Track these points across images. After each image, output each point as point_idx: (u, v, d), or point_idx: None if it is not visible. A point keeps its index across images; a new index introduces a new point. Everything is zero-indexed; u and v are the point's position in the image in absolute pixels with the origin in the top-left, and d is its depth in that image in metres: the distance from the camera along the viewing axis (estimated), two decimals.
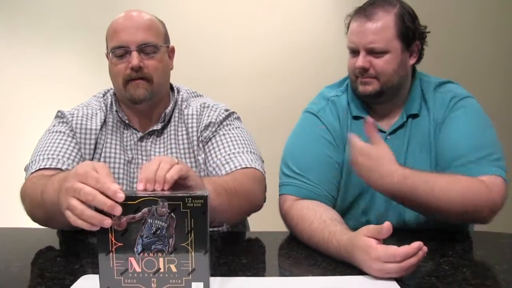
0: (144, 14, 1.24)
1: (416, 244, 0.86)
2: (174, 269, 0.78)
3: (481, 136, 1.17)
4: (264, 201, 1.24)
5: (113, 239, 0.78)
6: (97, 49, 2.79)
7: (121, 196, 0.74)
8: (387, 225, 0.88)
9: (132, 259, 0.78)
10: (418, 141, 1.23)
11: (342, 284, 0.89)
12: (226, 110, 1.31)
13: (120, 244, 0.78)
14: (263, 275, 0.96)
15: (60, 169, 1.15)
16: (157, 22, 1.26)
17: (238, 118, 1.34)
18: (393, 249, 0.87)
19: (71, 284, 0.86)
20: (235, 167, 1.18)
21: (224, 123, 1.28)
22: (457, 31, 2.88)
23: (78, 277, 0.89)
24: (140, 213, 0.77)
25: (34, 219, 1.11)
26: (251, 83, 2.91)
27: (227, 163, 1.19)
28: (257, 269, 0.99)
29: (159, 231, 0.77)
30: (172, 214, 0.77)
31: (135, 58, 1.18)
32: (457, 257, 1.01)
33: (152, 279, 0.79)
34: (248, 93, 2.88)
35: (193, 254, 0.78)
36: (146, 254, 0.78)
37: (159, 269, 0.78)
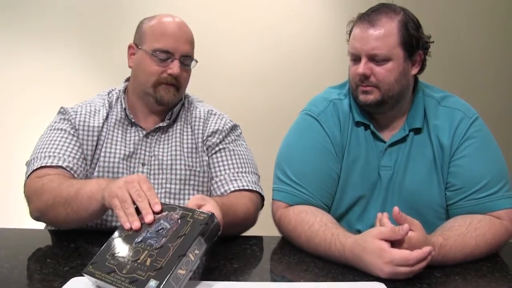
0: (187, 25, 1.30)
1: (428, 248, 0.90)
2: (148, 263, 0.80)
3: (498, 165, 1.17)
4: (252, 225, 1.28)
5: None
6: (95, 51, 2.83)
7: (158, 208, 0.90)
8: (406, 228, 0.91)
9: (128, 246, 0.86)
10: (420, 158, 1.20)
11: None
12: (231, 121, 1.39)
13: (130, 233, 0.88)
14: (254, 280, 0.96)
15: (62, 167, 1.17)
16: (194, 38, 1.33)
17: (241, 133, 1.41)
18: (406, 253, 0.89)
19: (60, 287, 0.86)
20: (243, 186, 1.25)
21: (232, 136, 1.35)
22: (456, 39, 2.90)
23: (68, 280, 0.89)
24: (159, 215, 0.88)
25: (47, 215, 1.13)
26: (247, 84, 2.91)
27: (235, 180, 1.26)
28: (248, 274, 0.98)
29: (161, 230, 0.84)
30: (179, 220, 0.84)
31: (177, 67, 1.24)
32: (449, 265, 1.01)
33: (127, 266, 0.82)
34: (244, 94, 2.89)
35: (170, 255, 0.79)
36: (140, 245, 0.84)
37: (138, 259, 0.82)
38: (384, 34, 1.14)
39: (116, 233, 0.90)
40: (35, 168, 1.17)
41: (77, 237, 1.17)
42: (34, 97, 2.83)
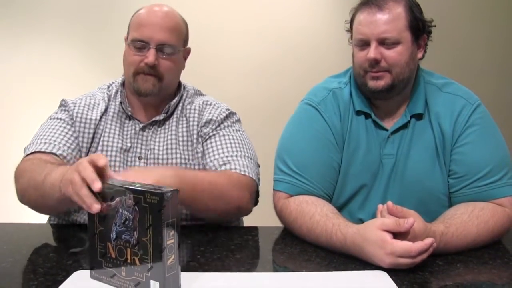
0: (172, 13, 1.27)
1: (429, 240, 0.90)
2: (137, 262, 0.80)
3: (501, 152, 1.16)
4: (253, 205, 1.25)
5: (97, 222, 0.85)
6: (96, 44, 2.81)
7: (97, 186, 0.82)
8: (411, 221, 0.90)
9: (109, 244, 0.83)
10: (422, 145, 1.19)
11: (336, 279, 0.89)
12: (228, 110, 1.35)
13: (101, 228, 0.84)
14: (256, 271, 0.96)
15: (55, 154, 1.19)
16: (181, 25, 1.30)
17: (238, 120, 1.37)
18: (408, 245, 0.89)
19: (64, 280, 0.86)
20: (230, 170, 1.21)
21: (225, 123, 1.32)
22: (451, 28, 2.88)
23: (71, 273, 0.89)
24: (114, 201, 0.82)
25: (24, 198, 1.13)
26: (247, 78, 2.91)
27: (224, 164, 1.22)
28: (251, 265, 0.98)
29: (127, 221, 0.80)
30: (135, 207, 0.79)
31: (151, 56, 1.22)
32: (451, 253, 1.01)
33: (122, 267, 0.82)
34: (244, 89, 2.88)
35: (151, 251, 0.78)
36: (118, 242, 0.82)
37: (127, 259, 0.81)
38: (393, 18, 1.13)
39: (90, 231, 0.86)
40: (29, 152, 1.19)
41: (79, 230, 1.18)
42: (34, 90, 2.83)
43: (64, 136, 1.23)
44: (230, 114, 1.35)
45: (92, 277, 0.87)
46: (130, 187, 0.80)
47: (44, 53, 2.85)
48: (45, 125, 1.28)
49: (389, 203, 0.96)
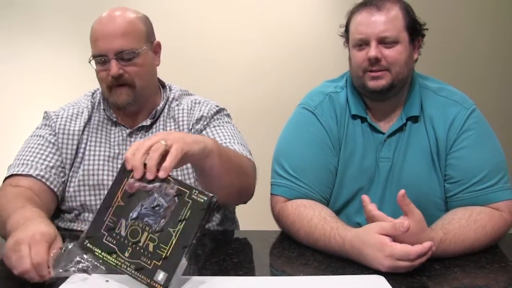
0: (124, 15, 1.21)
1: (428, 243, 0.90)
2: (151, 249, 0.79)
3: (497, 156, 1.16)
4: (253, 192, 1.23)
5: (119, 195, 0.83)
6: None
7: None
8: (406, 224, 0.90)
9: (123, 221, 0.82)
10: (418, 148, 1.20)
11: (333, 283, 0.89)
12: (217, 106, 1.34)
13: (121, 203, 0.83)
14: (254, 275, 0.96)
15: (32, 176, 1.17)
16: (136, 23, 1.22)
17: (228, 115, 1.36)
18: (407, 248, 0.89)
19: (60, 284, 0.85)
20: None
21: (215, 117, 1.31)
22: (452, 31, 2.89)
23: (68, 276, 0.88)
24: (151, 185, 0.82)
25: None
26: (246, 83, 2.91)
27: None
28: (248, 268, 0.98)
29: (158, 207, 0.80)
30: (175, 198, 0.80)
31: (113, 67, 1.18)
32: (449, 257, 1.01)
33: (128, 248, 0.80)
34: (243, 94, 2.88)
35: (173, 242, 0.78)
36: (136, 223, 0.81)
37: (139, 241, 0.80)
38: (392, 17, 1.15)
39: (105, 202, 0.85)
40: (8, 175, 1.19)
41: (76, 234, 1.17)
42: (33, 90, 2.83)
43: (42, 154, 1.22)
44: (220, 109, 1.33)
45: (80, 245, 0.83)
46: (177, 179, 0.82)
47: (43, 53, 2.85)
48: (26, 143, 1.27)
49: (402, 191, 0.93)
